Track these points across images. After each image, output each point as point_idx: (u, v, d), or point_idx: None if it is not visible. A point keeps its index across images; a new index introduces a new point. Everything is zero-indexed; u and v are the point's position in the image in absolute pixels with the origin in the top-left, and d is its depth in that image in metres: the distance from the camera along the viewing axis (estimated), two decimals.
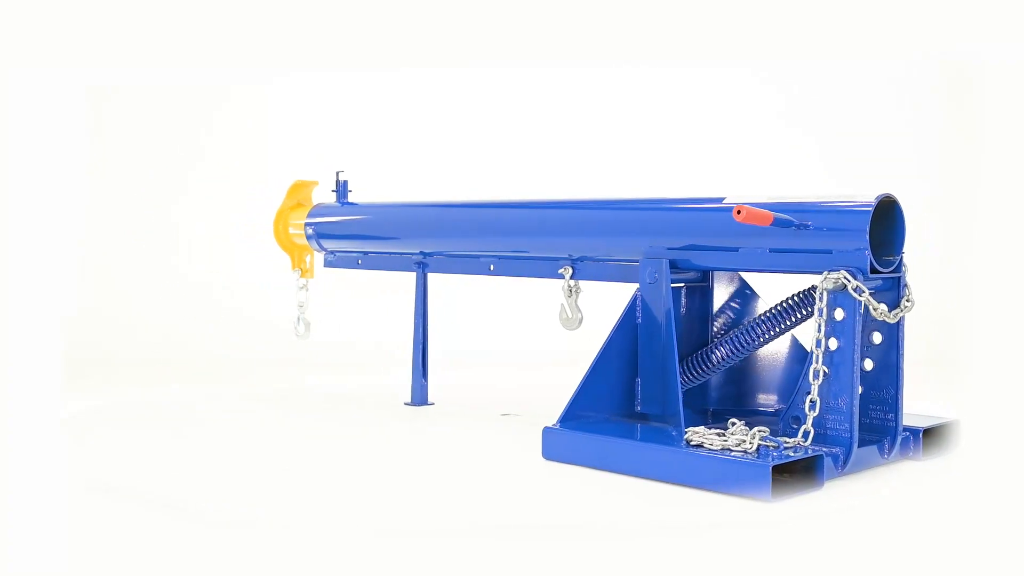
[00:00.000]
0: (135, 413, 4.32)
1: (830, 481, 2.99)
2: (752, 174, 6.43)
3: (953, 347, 5.39)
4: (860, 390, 3.16)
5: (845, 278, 3.02)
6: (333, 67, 6.06)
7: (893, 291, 3.19)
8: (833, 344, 3.08)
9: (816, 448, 3.01)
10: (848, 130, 6.46)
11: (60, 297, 5.22)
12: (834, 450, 3.05)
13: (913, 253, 6.33)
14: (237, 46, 5.74)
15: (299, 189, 4.73)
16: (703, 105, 6.51)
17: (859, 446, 3.10)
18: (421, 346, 4.37)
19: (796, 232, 3.12)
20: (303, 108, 6.50)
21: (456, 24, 5.74)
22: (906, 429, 3.28)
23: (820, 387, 3.08)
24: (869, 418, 3.23)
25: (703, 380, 3.55)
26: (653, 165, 6.35)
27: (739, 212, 3.04)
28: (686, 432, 3.14)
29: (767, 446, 3.01)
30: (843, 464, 3.05)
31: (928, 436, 3.37)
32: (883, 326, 3.19)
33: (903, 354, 3.19)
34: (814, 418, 3.07)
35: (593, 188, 6.28)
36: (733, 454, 2.96)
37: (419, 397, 4.39)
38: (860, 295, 3.02)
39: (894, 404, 3.20)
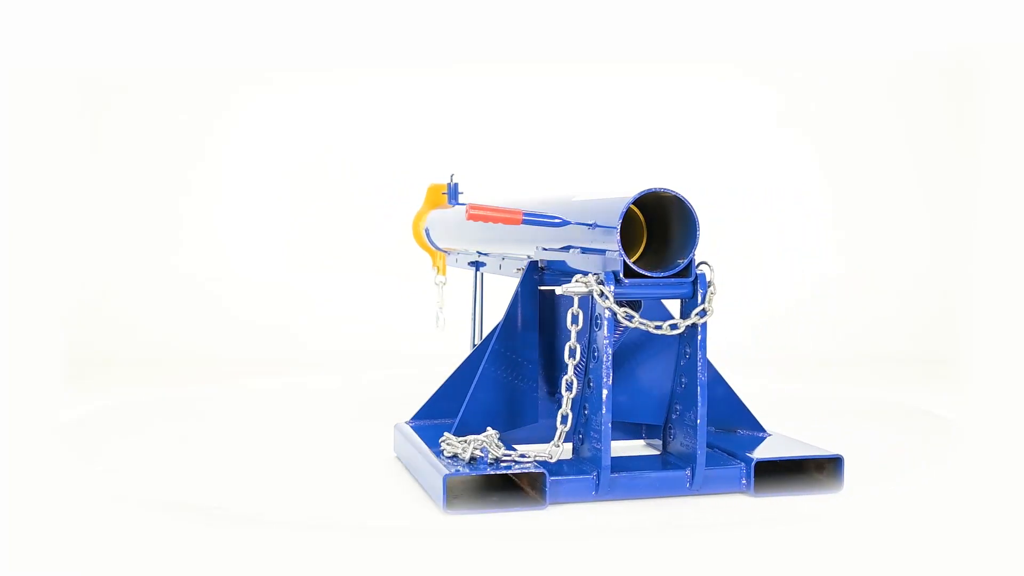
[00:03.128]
0: (140, 413, 4.32)
1: (584, 503, 2.77)
2: (749, 174, 6.43)
3: (953, 346, 5.39)
4: (680, 409, 2.89)
5: (589, 282, 2.75)
6: (338, 65, 6.05)
7: (694, 300, 2.85)
8: (582, 354, 2.82)
9: (532, 464, 2.78)
10: (847, 129, 6.46)
11: (61, 298, 5.23)
12: (589, 472, 2.80)
13: (911, 252, 6.35)
14: (239, 42, 5.73)
15: (437, 191, 4.76)
16: (705, 106, 6.51)
17: (667, 469, 2.86)
18: (473, 344, 4.40)
19: (590, 232, 2.84)
20: (304, 106, 6.49)
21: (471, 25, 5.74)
22: (741, 459, 2.95)
23: (574, 401, 2.84)
24: (682, 443, 2.92)
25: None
26: (658, 167, 6.35)
27: (469, 211, 2.89)
28: (443, 437, 2.99)
29: (481, 457, 2.83)
30: (596, 488, 2.78)
31: (788, 470, 2.98)
32: (691, 339, 2.85)
33: (703, 371, 2.83)
34: (577, 435, 2.85)
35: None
36: (436, 462, 2.81)
37: None
38: (605, 301, 2.73)
39: (694, 429, 2.84)
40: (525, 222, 2.93)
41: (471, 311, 4.39)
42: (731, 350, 6.04)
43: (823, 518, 2.74)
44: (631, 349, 3.17)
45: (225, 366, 5.61)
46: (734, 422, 3.25)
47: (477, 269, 4.25)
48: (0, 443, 3.12)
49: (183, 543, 2.54)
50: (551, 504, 2.76)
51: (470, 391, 3.13)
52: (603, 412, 2.75)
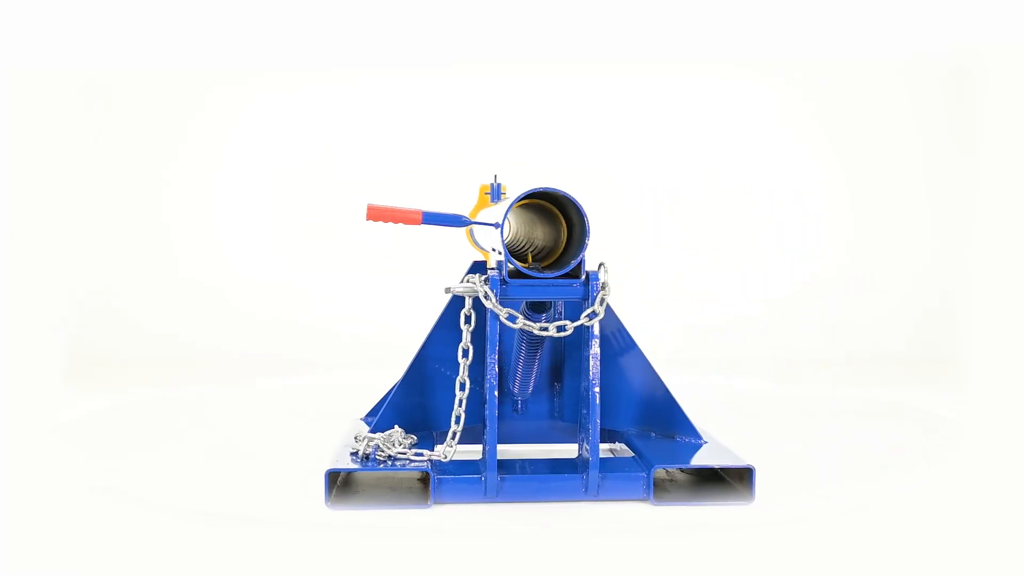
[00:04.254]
0: (140, 413, 4.32)
1: (473, 504, 2.76)
2: (749, 174, 6.43)
3: (954, 345, 5.39)
4: (585, 413, 2.78)
5: (476, 282, 2.74)
6: (338, 65, 6.05)
7: (588, 301, 2.76)
8: (473, 355, 2.82)
9: (424, 464, 2.81)
10: (847, 129, 6.45)
11: (61, 298, 5.23)
12: (479, 473, 2.79)
13: (911, 252, 6.35)
14: (239, 42, 5.73)
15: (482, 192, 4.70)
16: (705, 106, 6.51)
17: (562, 473, 2.81)
18: None
19: (495, 231, 2.80)
20: (303, 106, 6.49)
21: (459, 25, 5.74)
22: (642, 467, 2.85)
23: (467, 401, 2.84)
24: (586, 447, 2.83)
25: (524, 392, 3.17)
26: (658, 166, 6.35)
27: (368, 211, 2.89)
28: (356, 433, 3.05)
29: (372, 453, 2.86)
30: (485, 490, 2.76)
31: (711, 479, 2.90)
32: (586, 342, 2.78)
33: (596, 374, 2.76)
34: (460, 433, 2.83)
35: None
36: (337, 457, 2.87)
37: None
38: (488, 301, 2.72)
39: (588, 434, 2.77)
40: (425, 221, 2.92)
41: None
42: (730, 350, 6.07)
43: (708, 529, 2.61)
44: (571, 351, 3.15)
45: (225, 366, 5.61)
46: (672, 428, 3.15)
47: None
48: (0, 443, 3.12)
49: (182, 543, 2.54)
50: (440, 504, 2.76)
51: (392, 390, 3.14)
52: (491, 414, 2.75)
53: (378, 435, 2.92)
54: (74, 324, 5.74)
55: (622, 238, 6.33)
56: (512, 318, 2.73)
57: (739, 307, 6.30)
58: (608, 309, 3.07)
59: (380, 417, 3.09)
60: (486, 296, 2.71)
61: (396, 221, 2.91)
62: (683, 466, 2.88)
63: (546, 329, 2.74)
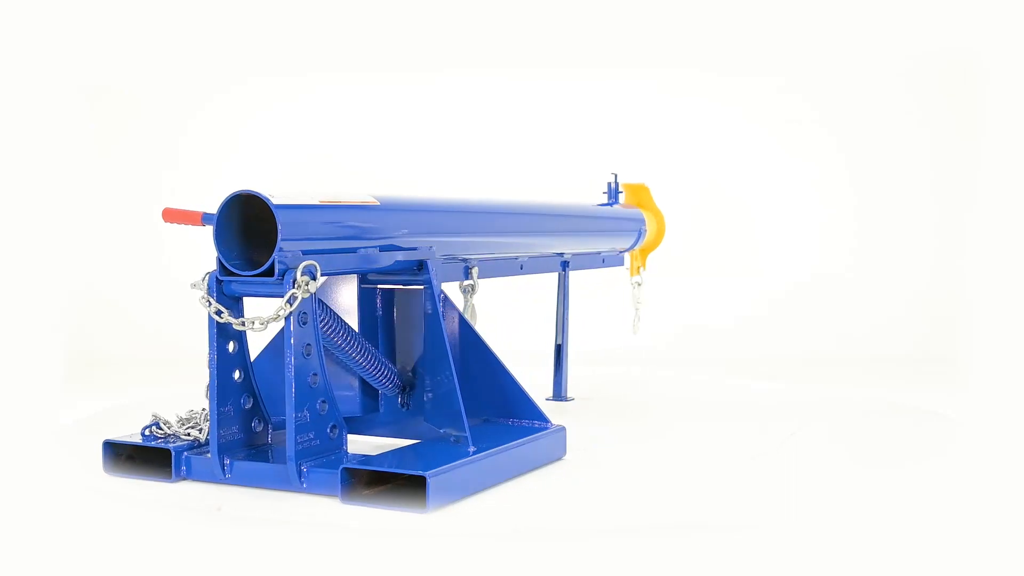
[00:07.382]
0: (140, 413, 4.29)
1: (214, 484, 2.89)
2: (749, 174, 6.43)
3: (955, 346, 5.40)
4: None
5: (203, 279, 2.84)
6: (337, 68, 6.07)
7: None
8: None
9: (167, 443, 2.97)
10: (847, 130, 6.46)
11: (61, 298, 5.24)
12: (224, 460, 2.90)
13: (913, 252, 6.35)
14: (238, 43, 5.74)
15: (630, 191, 4.67)
16: (704, 106, 6.51)
17: (275, 463, 2.85)
18: (557, 344, 4.38)
19: None
20: (302, 108, 6.50)
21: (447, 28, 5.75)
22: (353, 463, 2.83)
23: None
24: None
25: (390, 385, 3.23)
26: (658, 168, 6.35)
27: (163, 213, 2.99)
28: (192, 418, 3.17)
29: (144, 429, 3.04)
30: (213, 472, 2.89)
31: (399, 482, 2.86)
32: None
33: (290, 370, 2.79)
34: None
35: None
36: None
37: (558, 393, 4.40)
38: (203, 297, 2.81)
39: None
40: (204, 222, 3.00)
41: (555, 309, 4.38)
42: (731, 350, 6.07)
43: (366, 533, 2.56)
44: (426, 355, 3.17)
45: None
46: (461, 430, 3.07)
47: (564, 268, 4.23)
48: (0, 443, 3.12)
49: (183, 543, 2.55)
50: (185, 481, 2.94)
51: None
52: (214, 408, 2.86)
53: (166, 416, 3.09)
54: (74, 324, 5.74)
55: None
56: (219, 312, 2.82)
57: (740, 307, 6.30)
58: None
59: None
60: (197, 289, 2.83)
61: (183, 223, 3.01)
62: (363, 467, 2.80)
63: (243, 324, 2.83)
